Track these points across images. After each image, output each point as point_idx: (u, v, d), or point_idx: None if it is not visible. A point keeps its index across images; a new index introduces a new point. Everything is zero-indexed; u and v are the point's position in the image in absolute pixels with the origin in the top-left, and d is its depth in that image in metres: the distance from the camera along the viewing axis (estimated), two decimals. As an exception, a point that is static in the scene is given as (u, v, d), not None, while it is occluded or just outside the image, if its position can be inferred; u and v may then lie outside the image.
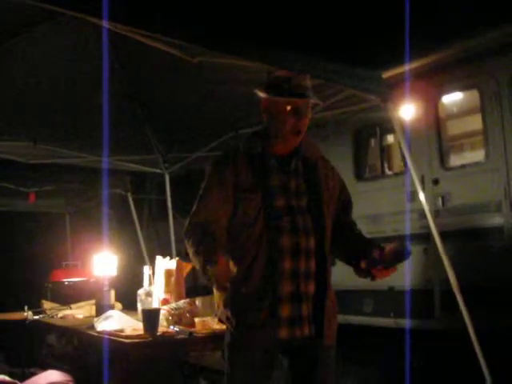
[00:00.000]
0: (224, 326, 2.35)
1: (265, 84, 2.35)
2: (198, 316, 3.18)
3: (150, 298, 3.46)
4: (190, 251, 2.26)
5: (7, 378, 3.64)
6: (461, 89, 5.93)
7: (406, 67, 5.50)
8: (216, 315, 2.39)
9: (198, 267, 2.23)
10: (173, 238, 6.72)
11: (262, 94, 2.33)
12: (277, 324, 2.17)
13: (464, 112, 6.21)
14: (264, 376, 2.24)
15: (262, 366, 2.22)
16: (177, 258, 3.75)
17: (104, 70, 3.67)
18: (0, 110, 4.44)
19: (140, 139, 5.65)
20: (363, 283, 5.88)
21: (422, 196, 4.07)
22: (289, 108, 2.26)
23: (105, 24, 2.74)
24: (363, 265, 2.21)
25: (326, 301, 2.27)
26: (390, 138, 6.78)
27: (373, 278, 2.23)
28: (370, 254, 2.19)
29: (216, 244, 2.20)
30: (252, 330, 2.17)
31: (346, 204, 2.47)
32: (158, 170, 6.55)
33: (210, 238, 2.22)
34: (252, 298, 2.17)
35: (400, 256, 2.15)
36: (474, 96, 5.74)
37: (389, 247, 2.17)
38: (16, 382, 3.61)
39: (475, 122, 5.83)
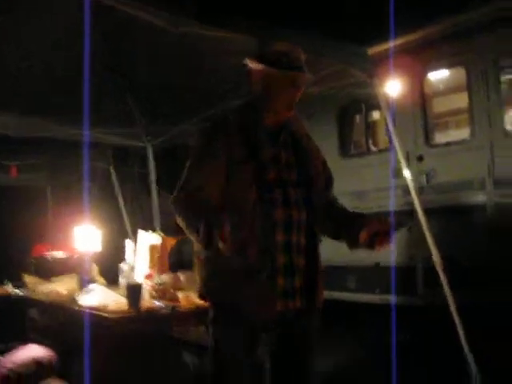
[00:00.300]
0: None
1: (260, 56, 2.30)
2: (181, 291, 3.17)
3: (132, 273, 3.44)
4: (183, 220, 2.16)
5: (-11, 353, 3.62)
6: (447, 66, 5.92)
7: (392, 43, 5.46)
8: (198, 291, 2.33)
9: (194, 235, 2.10)
10: (157, 211, 6.68)
11: (256, 66, 2.28)
12: (274, 296, 2.16)
13: (450, 89, 6.22)
14: (250, 351, 2.23)
15: (248, 341, 2.21)
16: (161, 233, 3.72)
17: (86, 41, 3.59)
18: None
19: (123, 112, 5.56)
20: (349, 259, 6.00)
21: (406, 172, 4.07)
22: (286, 82, 2.24)
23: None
24: (363, 237, 2.20)
25: (319, 274, 2.28)
26: (376, 115, 6.77)
27: (372, 248, 2.23)
28: (365, 225, 2.21)
29: (214, 209, 2.13)
30: (246, 304, 2.15)
31: (328, 181, 2.48)
32: (140, 144, 6.47)
33: (205, 204, 2.15)
34: (248, 271, 2.14)
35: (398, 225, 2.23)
36: (460, 73, 5.73)
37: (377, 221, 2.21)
38: (-2, 356, 3.59)
39: (461, 100, 5.83)
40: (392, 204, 5.60)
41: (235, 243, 2.02)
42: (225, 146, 2.20)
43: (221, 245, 1.95)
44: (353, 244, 2.29)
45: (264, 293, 2.15)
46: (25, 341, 3.89)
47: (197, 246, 2.29)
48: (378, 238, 2.19)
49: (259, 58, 2.28)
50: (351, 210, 2.45)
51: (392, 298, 5.25)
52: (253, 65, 2.30)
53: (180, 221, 2.17)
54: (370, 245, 2.22)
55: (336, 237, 2.38)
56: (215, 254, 2.12)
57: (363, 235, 2.21)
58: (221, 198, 2.20)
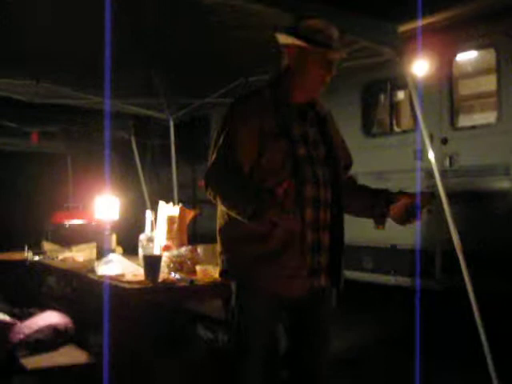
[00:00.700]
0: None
1: (293, 31, 2.25)
2: (199, 264, 3.16)
3: (151, 244, 3.44)
4: (221, 194, 2.11)
5: (7, 318, 3.66)
6: (477, 47, 5.78)
7: (421, 22, 5.34)
8: (221, 271, 2.32)
9: (236, 208, 2.06)
10: (176, 184, 6.68)
11: (290, 40, 2.24)
12: (302, 274, 2.16)
13: (478, 71, 6.09)
14: (273, 325, 2.26)
15: (271, 317, 2.23)
16: (180, 205, 3.71)
17: (107, 9, 3.54)
18: (1, 48, 4.31)
19: (145, 83, 5.53)
20: (365, 240, 5.96)
21: (431, 155, 3.99)
22: (320, 59, 2.21)
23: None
24: (394, 211, 2.23)
25: (342, 253, 2.29)
26: (400, 95, 6.68)
27: (402, 223, 2.26)
28: (389, 202, 2.24)
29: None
30: (273, 282, 2.15)
31: (347, 159, 2.47)
32: (161, 115, 6.45)
33: (243, 176, 2.12)
34: (279, 247, 2.13)
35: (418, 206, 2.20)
36: (489, 55, 5.61)
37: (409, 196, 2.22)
38: (16, 321, 3.63)
39: (489, 83, 5.72)
40: (415, 186, 5.54)
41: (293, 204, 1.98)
42: (257, 117, 2.17)
43: (274, 210, 1.92)
44: (381, 220, 2.30)
45: (291, 270, 2.14)
46: (42, 307, 3.94)
47: (220, 223, 2.28)
48: (409, 213, 2.20)
49: (293, 33, 2.24)
50: (373, 187, 2.44)
51: (410, 281, 5.23)
52: (286, 39, 2.26)
53: (216, 195, 2.13)
54: (402, 219, 2.23)
55: (361, 213, 2.41)
56: (241, 231, 2.13)
57: (394, 209, 2.22)
58: (252, 174, 2.17)
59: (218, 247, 2.30)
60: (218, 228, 2.30)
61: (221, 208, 2.26)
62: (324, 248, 2.24)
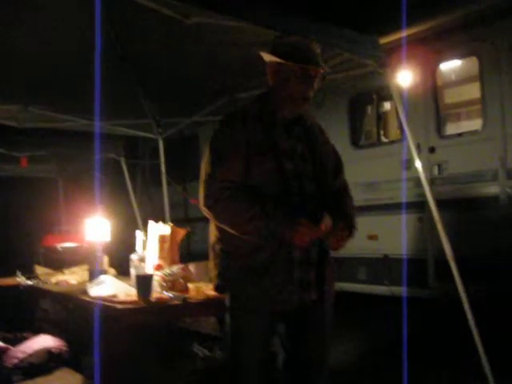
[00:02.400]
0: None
1: (274, 48, 2.32)
2: (191, 282, 3.17)
3: (143, 264, 3.44)
4: (228, 219, 2.15)
5: (0, 343, 3.64)
6: (459, 56, 5.86)
7: (404, 33, 5.41)
8: (215, 286, 2.33)
9: (255, 232, 2.11)
10: (167, 203, 6.68)
11: (272, 58, 2.29)
12: (292, 288, 2.18)
13: (462, 80, 6.15)
14: (266, 340, 2.27)
15: (265, 331, 2.24)
16: (171, 224, 3.71)
17: (96, 31, 3.56)
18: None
19: (133, 103, 5.55)
20: (358, 250, 5.97)
21: (418, 164, 4.02)
22: (301, 74, 2.25)
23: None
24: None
25: (328, 266, 2.30)
26: (387, 106, 6.72)
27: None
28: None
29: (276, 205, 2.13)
30: (265, 295, 2.16)
31: (338, 166, 2.48)
32: (151, 135, 6.46)
33: (245, 195, 2.15)
34: (266, 262, 2.15)
35: None
36: (472, 63, 5.67)
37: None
38: (9, 346, 3.61)
39: (473, 90, 5.77)
40: (403, 195, 5.58)
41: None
42: (244, 134, 2.20)
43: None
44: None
45: (279, 285, 2.16)
46: (36, 331, 3.92)
47: (212, 239, 2.30)
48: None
49: (274, 50, 2.29)
50: (344, 208, 2.41)
51: (402, 290, 5.24)
52: (267, 57, 2.31)
53: (224, 221, 2.16)
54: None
55: None
56: (232, 246, 2.18)
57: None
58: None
59: (211, 263, 2.31)
60: (210, 243, 2.32)
61: (213, 224, 2.28)
62: (313, 262, 2.25)
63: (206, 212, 2.20)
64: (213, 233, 2.30)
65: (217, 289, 2.33)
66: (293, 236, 2.07)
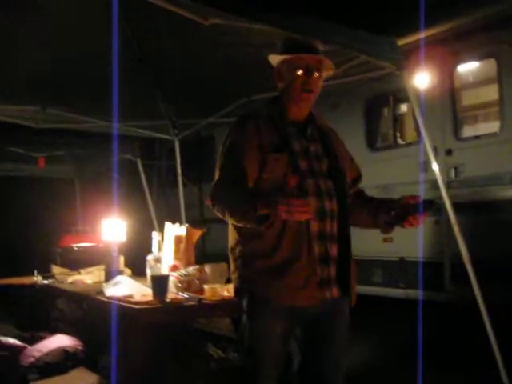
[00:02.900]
0: (233, 293, 2.34)
1: (278, 49, 2.35)
2: (207, 283, 3.17)
3: (159, 264, 3.45)
4: (227, 208, 2.16)
5: (17, 342, 3.67)
6: (477, 58, 5.81)
7: (422, 34, 5.38)
8: (235, 289, 2.32)
9: (243, 217, 2.11)
10: (182, 204, 6.71)
11: (274, 58, 2.33)
12: (312, 286, 2.16)
13: (480, 82, 6.10)
14: (285, 340, 2.25)
15: (284, 331, 2.22)
16: (186, 225, 3.73)
17: (114, 33, 3.59)
18: (9, 75, 4.38)
19: (150, 104, 5.58)
20: (374, 253, 5.95)
21: (435, 166, 4.00)
22: (299, 65, 2.26)
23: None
24: (391, 217, 2.27)
25: (351, 262, 2.30)
26: (403, 108, 6.69)
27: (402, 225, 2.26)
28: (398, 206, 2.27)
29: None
30: (287, 291, 2.15)
31: (356, 176, 2.51)
32: (167, 137, 6.50)
33: (247, 189, 2.17)
34: (287, 260, 2.15)
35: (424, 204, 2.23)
36: (490, 65, 5.62)
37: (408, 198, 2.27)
38: (26, 345, 3.65)
39: (491, 92, 5.73)
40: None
41: (269, 236, 2.10)
42: (256, 136, 2.21)
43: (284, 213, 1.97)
44: (386, 228, 2.32)
45: (301, 282, 2.15)
46: (53, 331, 3.95)
47: (231, 242, 2.30)
48: (411, 216, 2.21)
49: (277, 51, 2.34)
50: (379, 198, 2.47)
51: (418, 293, 5.20)
52: (273, 60, 2.35)
53: (224, 209, 2.16)
54: (405, 222, 2.24)
55: (367, 224, 2.42)
56: (251, 248, 2.18)
57: (397, 214, 2.25)
58: (255, 189, 2.20)
59: (231, 266, 2.32)
60: (229, 247, 2.33)
61: (231, 227, 2.29)
62: (333, 259, 2.24)
63: (211, 203, 2.22)
64: (232, 235, 2.31)
65: (237, 292, 2.31)
66: (276, 214, 2.02)
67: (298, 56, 2.27)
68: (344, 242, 2.29)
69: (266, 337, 2.21)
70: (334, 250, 2.25)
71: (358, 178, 2.51)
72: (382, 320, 5.93)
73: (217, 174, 2.25)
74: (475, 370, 4.33)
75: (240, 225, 2.16)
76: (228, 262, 2.39)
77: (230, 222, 2.23)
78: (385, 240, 5.89)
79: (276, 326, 2.19)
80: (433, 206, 2.28)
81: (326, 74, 2.36)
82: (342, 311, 2.32)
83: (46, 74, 4.54)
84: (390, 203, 2.33)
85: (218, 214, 2.21)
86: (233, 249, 2.30)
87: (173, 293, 3.03)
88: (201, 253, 6.50)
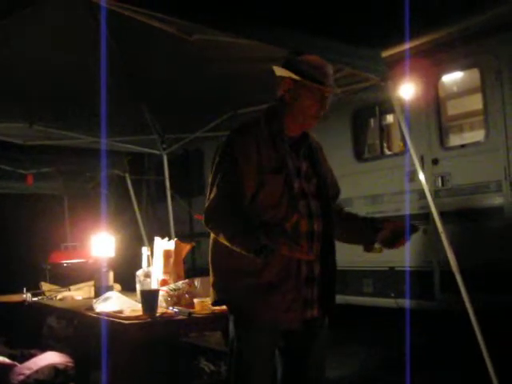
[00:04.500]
0: (224, 307, 2.34)
1: (290, 64, 2.29)
2: (197, 297, 3.17)
3: (148, 279, 3.45)
4: (225, 230, 2.12)
5: (7, 360, 3.65)
6: (461, 68, 5.88)
7: (406, 46, 5.44)
8: (215, 301, 2.32)
9: (246, 248, 2.06)
10: (171, 218, 6.70)
11: (288, 74, 2.27)
12: (298, 305, 2.18)
13: (464, 91, 6.17)
14: (271, 355, 2.27)
15: (269, 347, 2.24)
16: (175, 239, 3.73)
17: (102, 49, 3.60)
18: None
19: (137, 119, 5.60)
20: (363, 263, 5.97)
21: (421, 176, 4.04)
22: (316, 95, 2.25)
23: (103, 3, 2.70)
24: (383, 236, 2.33)
25: (335, 284, 2.32)
26: (390, 118, 6.75)
27: (390, 247, 2.34)
28: (377, 230, 2.34)
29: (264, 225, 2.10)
30: (272, 313, 2.16)
31: (335, 190, 2.52)
32: (155, 151, 6.50)
33: (245, 209, 2.14)
34: (274, 281, 2.15)
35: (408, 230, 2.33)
36: (474, 75, 5.69)
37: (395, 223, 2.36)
38: (15, 363, 3.62)
39: (475, 102, 5.79)
40: (407, 208, 5.58)
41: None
42: (256, 150, 2.19)
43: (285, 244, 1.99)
44: (369, 247, 2.37)
45: (287, 304, 2.16)
46: (43, 348, 3.92)
47: (211, 254, 2.30)
48: (397, 238, 2.29)
49: (289, 66, 2.28)
50: (361, 215, 2.54)
51: (407, 303, 5.22)
52: (283, 72, 2.29)
53: (220, 232, 2.14)
54: (390, 244, 2.31)
55: (350, 240, 2.47)
56: (233, 264, 2.17)
57: (381, 235, 2.31)
58: (250, 207, 2.17)
59: (211, 278, 2.31)
60: (209, 259, 2.31)
61: (213, 239, 2.27)
62: (316, 279, 2.25)
63: (206, 223, 2.19)
64: (213, 248, 2.28)
65: (215, 304, 2.32)
66: (278, 248, 2.01)
67: (323, 88, 2.24)
68: (330, 262, 2.30)
69: (254, 349, 2.20)
70: (317, 270, 2.26)
71: (336, 194, 2.52)
72: (372, 330, 5.94)
73: (213, 190, 2.19)
74: (466, 378, 4.34)
75: (235, 249, 2.11)
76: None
77: (222, 240, 2.17)
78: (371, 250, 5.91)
79: (262, 340, 2.19)
80: (416, 230, 2.38)
81: None
82: (322, 330, 2.33)
83: (33, 91, 4.54)
84: (375, 224, 2.38)
85: (212, 232, 2.20)
86: (213, 261, 2.29)
87: (163, 307, 3.03)
88: (190, 267, 6.49)
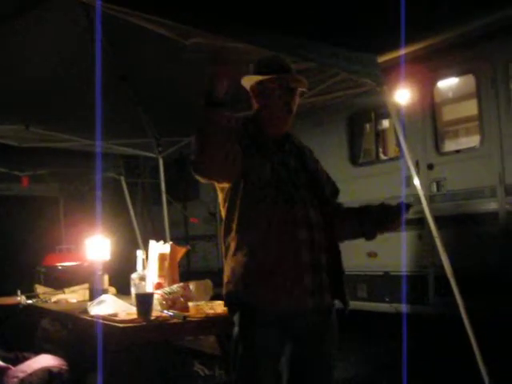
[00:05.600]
0: (218, 311, 2.34)
1: (252, 70, 2.38)
2: (191, 300, 3.17)
3: (143, 283, 3.44)
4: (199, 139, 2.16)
5: (0, 363, 3.63)
6: (457, 74, 5.91)
7: (402, 51, 5.47)
8: (225, 296, 2.29)
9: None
10: (167, 221, 6.70)
11: (250, 79, 2.35)
12: (303, 291, 2.17)
13: (459, 97, 6.20)
14: (278, 355, 2.24)
15: (277, 340, 2.20)
16: (171, 243, 3.73)
17: (97, 51, 3.61)
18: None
19: (133, 122, 5.60)
20: (359, 268, 5.98)
21: (416, 181, 4.05)
22: (281, 87, 2.30)
23: (98, 5, 2.71)
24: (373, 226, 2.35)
25: (343, 272, 2.33)
26: (385, 123, 6.77)
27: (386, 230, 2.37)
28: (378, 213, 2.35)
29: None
30: (274, 295, 2.14)
31: (334, 190, 2.53)
32: (151, 154, 6.50)
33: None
34: (273, 266, 2.15)
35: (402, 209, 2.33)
36: (469, 81, 5.72)
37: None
38: (9, 366, 3.60)
39: (470, 108, 5.82)
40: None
41: (254, 236, 2.13)
42: (239, 136, 2.20)
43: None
44: (370, 236, 2.37)
45: (288, 287, 2.15)
46: (37, 351, 3.91)
47: (226, 259, 2.30)
48: (389, 218, 2.32)
49: (252, 73, 2.37)
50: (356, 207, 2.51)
51: (403, 307, 5.22)
52: (248, 81, 2.37)
53: (200, 147, 2.15)
54: (383, 226, 2.33)
55: (350, 235, 2.46)
56: (242, 261, 2.16)
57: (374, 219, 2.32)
58: (241, 190, 2.20)
59: (224, 281, 2.29)
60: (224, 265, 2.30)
61: (229, 242, 2.27)
62: (323, 268, 2.25)
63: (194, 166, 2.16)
64: (227, 252, 2.27)
65: (227, 302, 2.29)
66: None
67: (280, 76, 2.30)
68: (334, 251, 2.31)
69: (260, 350, 2.17)
70: (323, 260, 2.25)
71: (335, 192, 2.53)
72: (367, 335, 5.94)
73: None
74: (460, 381, 4.35)
75: (208, 129, 2.15)
76: (212, 279, 2.39)
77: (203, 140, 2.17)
78: (369, 255, 5.94)
79: (268, 340, 2.16)
80: (410, 207, 2.36)
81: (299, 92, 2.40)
82: (332, 326, 2.32)
83: (29, 93, 4.54)
84: (372, 213, 2.38)
85: (201, 170, 2.16)
86: (231, 267, 2.24)
87: (157, 311, 3.02)
88: (185, 270, 6.48)
